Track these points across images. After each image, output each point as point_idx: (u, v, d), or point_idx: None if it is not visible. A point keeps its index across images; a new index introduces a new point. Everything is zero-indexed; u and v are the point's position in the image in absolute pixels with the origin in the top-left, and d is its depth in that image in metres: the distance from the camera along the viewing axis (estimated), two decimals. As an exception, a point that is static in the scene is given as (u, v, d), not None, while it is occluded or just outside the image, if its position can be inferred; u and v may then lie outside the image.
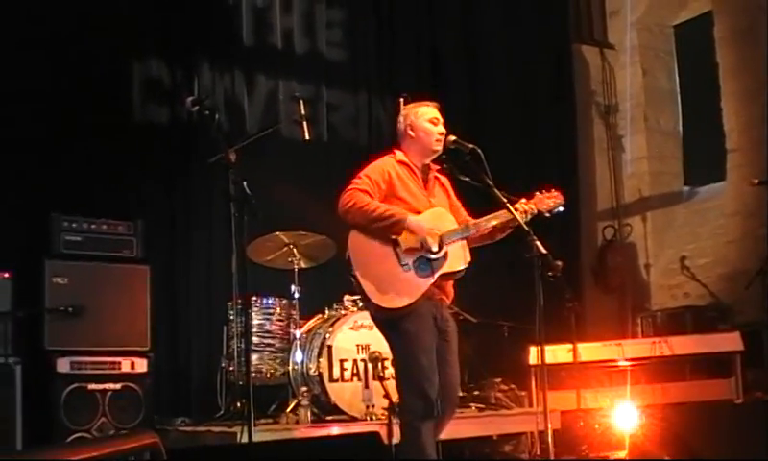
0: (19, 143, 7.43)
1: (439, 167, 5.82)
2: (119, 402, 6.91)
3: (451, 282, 5.66)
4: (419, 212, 5.53)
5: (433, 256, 5.45)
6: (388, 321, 5.55)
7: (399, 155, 5.73)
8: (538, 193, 5.69)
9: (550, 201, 5.68)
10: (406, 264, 5.43)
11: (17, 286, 6.76)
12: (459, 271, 5.55)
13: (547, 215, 5.66)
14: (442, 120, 5.73)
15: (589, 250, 11.56)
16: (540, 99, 11.19)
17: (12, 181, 7.34)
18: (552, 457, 6.16)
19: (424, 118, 5.71)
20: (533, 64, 11.19)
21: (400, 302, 5.40)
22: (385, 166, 5.65)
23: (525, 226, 5.46)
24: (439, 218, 5.56)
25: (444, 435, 5.79)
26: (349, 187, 5.54)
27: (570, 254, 10.07)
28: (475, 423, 7.38)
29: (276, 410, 7.43)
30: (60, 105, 7.70)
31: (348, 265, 5.58)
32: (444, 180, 5.87)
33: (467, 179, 5.68)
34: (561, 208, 5.73)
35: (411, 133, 5.72)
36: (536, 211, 5.60)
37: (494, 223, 5.58)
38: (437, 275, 5.45)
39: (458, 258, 5.53)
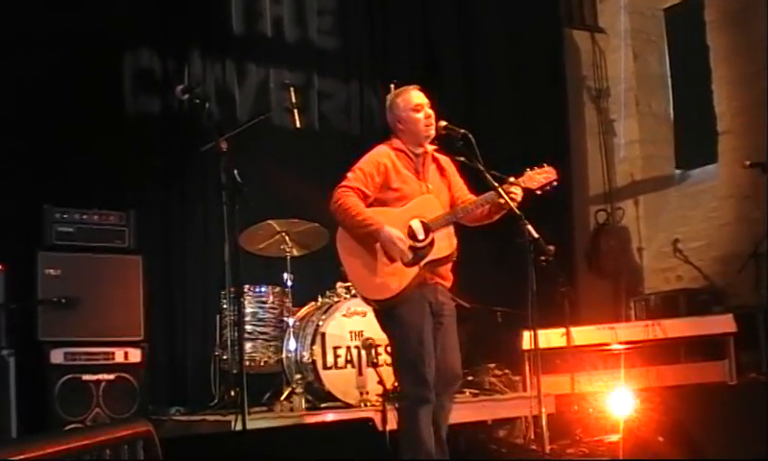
0: (10, 135, 7.41)
1: (435, 147, 5.81)
2: (113, 393, 6.91)
3: (448, 266, 5.67)
4: (411, 198, 5.56)
5: (419, 245, 5.46)
6: (383, 309, 5.58)
7: (396, 142, 5.73)
8: (528, 170, 5.68)
9: (541, 176, 5.66)
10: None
11: (10, 278, 6.74)
12: (445, 257, 5.55)
13: (538, 193, 5.65)
14: (427, 101, 5.71)
15: (582, 234, 11.58)
16: (531, 84, 11.17)
17: (3, 172, 7.32)
18: (546, 441, 6.17)
19: (408, 108, 5.69)
20: (524, 50, 11.17)
21: (386, 292, 5.45)
22: (380, 157, 5.66)
23: (517, 210, 5.45)
24: (426, 205, 5.56)
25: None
26: (342, 183, 5.57)
27: (563, 239, 10.06)
28: (470, 408, 7.38)
29: (270, 398, 7.44)
30: (52, 96, 7.68)
31: (338, 259, 5.65)
32: (445, 160, 5.84)
33: (462, 159, 5.67)
34: (554, 184, 5.71)
35: (400, 125, 5.72)
36: (521, 190, 5.58)
37: (483, 205, 5.58)
38: (423, 263, 5.47)
39: (444, 244, 5.54)
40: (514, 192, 5.52)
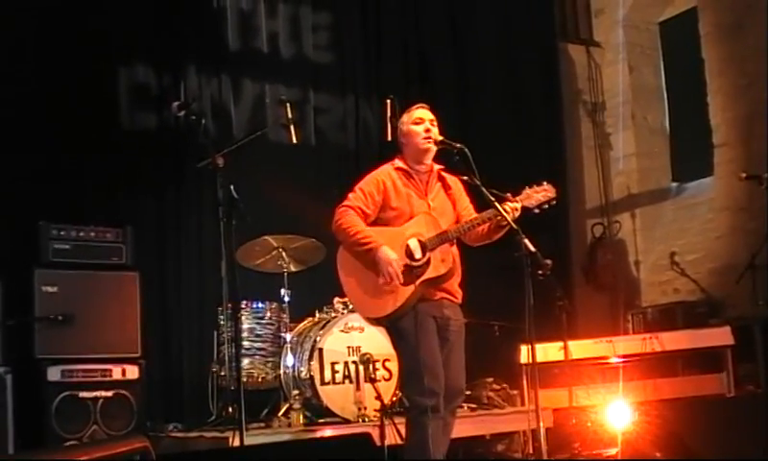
0: (6, 151, 7.42)
1: (442, 167, 5.84)
2: (111, 410, 6.89)
3: (453, 282, 5.73)
4: (411, 217, 5.61)
5: (416, 264, 5.49)
6: (389, 325, 5.68)
7: (398, 162, 5.83)
8: (527, 188, 5.70)
9: (539, 195, 5.68)
10: None
11: (7, 295, 6.74)
12: (442, 275, 5.59)
13: (536, 211, 5.66)
14: (430, 117, 5.76)
15: (579, 247, 11.57)
16: (527, 98, 11.18)
17: (-1, 189, 7.34)
18: (545, 455, 6.17)
19: (410, 121, 5.79)
20: (520, 64, 11.18)
21: (382, 310, 5.53)
22: (380, 176, 5.75)
23: (514, 224, 5.46)
24: (425, 224, 5.61)
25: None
26: (343, 203, 5.67)
27: (560, 253, 10.06)
28: (468, 422, 7.35)
29: (267, 414, 7.43)
30: (48, 112, 7.69)
31: (337, 278, 5.72)
32: (453, 180, 5.89)
33: (465, 177, 5.69)
34: (553, 202, 5.72)
35: (403, 139, 5.83)
36: (519, 209, 5.59)
37: (481, 223, 5.60)
38: (419, 281, 5.50)
39: (441, 262, 5.57)
40: (509, 209, 5.53)
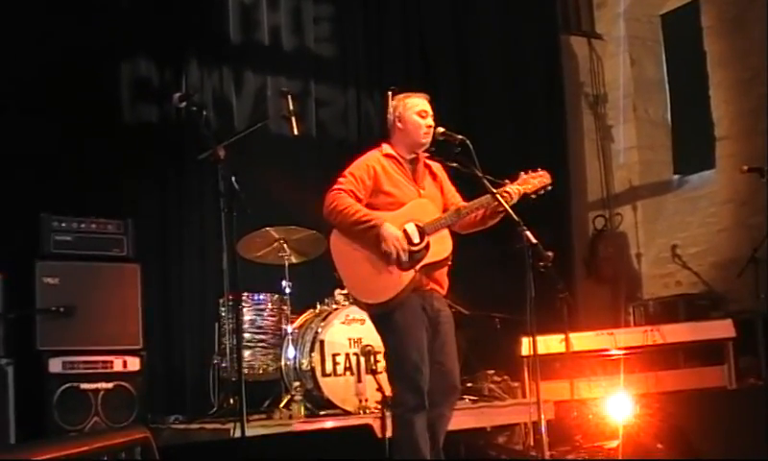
0: (8, 144, 7.42)
1: (428, 154, 5.81)
2: (112, 401, 6.92)
3: (444, 272, 5.68)
4: (403, 203, 5.57)
5: (414, 248, 5.46)
6: (379, 315, 5.59)
7: (386, 148, 5.74)
8: (523, 173, 5.68)
9: (535, 180, 5.67)
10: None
11: (8, 287, 6.76)
12: (441, 260, 5.57)
13: (533, 197, 5.65)
14: (431, 112, 5.72)
15: (581, 240, 11.58)
16: (529, 91, 11.19)
17: (0, 181, 7.32)
18: (546, 448, 6.15)
19: (413, 110, 5.70)
20: (522, 56, 11.19)
21: (382, 296, 5.45)
22: (370, 162, 5.67)
23: (515, 216, 5.44)
24: (421, 209, 5.57)
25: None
26: (334, 187, 5.58)
27: (561, 245, 10.06)
28: (469, 414, 7.37)
29: (269, 406, 7.43)
30: (50, 105, 7.69)
31: (332, 263, 5.65)
32: (437, 166, 5.85)
33: (454, 165, 5.67)
34: (548, 188, 5.72)
35: (399, 124, 5.72)
36: (521, 193, 5.58)
37: (478, 209, 5.59)
38: (418, 266, 5.46)
39: (440, 248, 5.55)
40: (507, 193, 5.52)
